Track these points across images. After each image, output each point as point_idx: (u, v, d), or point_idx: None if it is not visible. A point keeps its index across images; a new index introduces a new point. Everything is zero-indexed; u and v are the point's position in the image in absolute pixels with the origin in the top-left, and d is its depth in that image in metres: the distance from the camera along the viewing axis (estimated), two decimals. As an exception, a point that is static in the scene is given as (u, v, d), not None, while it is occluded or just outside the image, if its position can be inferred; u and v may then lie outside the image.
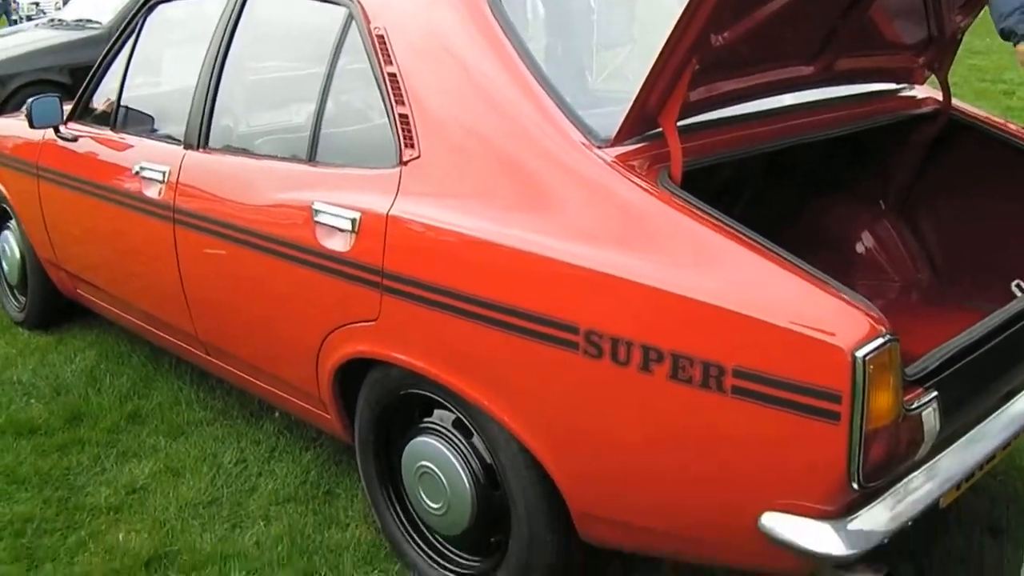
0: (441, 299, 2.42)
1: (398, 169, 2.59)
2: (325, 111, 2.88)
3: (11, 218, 4.73)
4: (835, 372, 1.84)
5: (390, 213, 2.55)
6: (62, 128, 4.04)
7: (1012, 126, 3.17)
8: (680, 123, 2.25)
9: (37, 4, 15.83)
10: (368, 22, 2.75)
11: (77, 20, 8.54)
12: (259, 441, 3.60)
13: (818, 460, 1.92)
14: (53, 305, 4.64)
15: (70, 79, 7.95)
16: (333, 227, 2.69)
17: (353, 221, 2.63)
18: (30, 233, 4.48)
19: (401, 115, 2.61)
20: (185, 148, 3.36)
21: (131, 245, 3.68)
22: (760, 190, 3.35)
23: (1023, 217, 3.05)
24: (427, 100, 2.59)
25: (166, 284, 3.47)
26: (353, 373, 2.82)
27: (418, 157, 2.56)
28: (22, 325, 4.77)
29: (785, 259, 1.99)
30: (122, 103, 3.85)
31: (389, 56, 2.67)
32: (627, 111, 2.23)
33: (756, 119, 2.63)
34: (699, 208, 2.11)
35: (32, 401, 4.01)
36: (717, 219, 2.07)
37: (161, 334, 3.77)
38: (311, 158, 2.89)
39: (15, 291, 4.86)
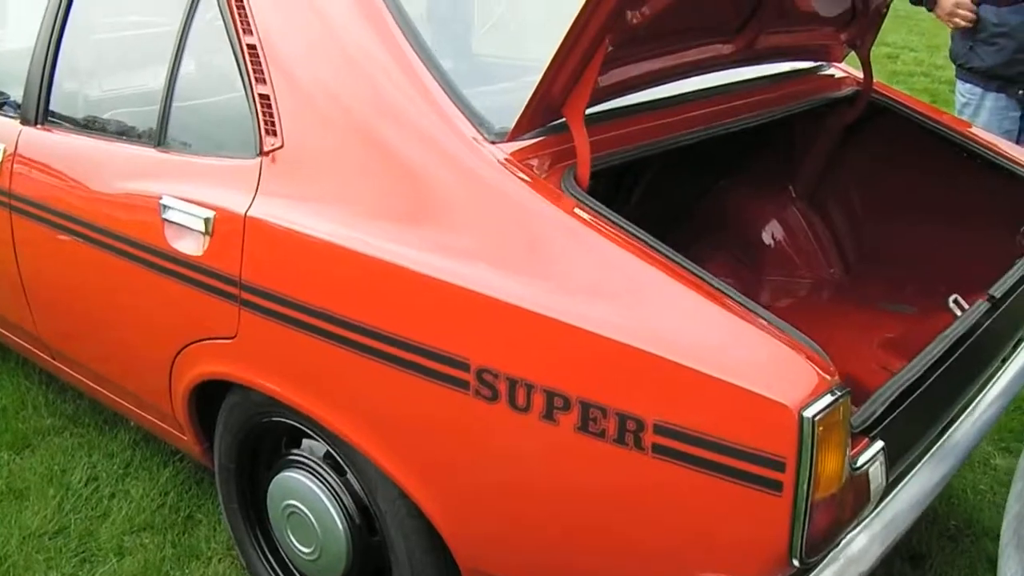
0: (306, 319, 2.04)
1: (258, 160, 2.19)
2: (176, 84, 2.46)
3: None
4: (778, 434, 1.51)
5: (248, 214, 2.15)
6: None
7: (936, 113, 2.88)
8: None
9: None
10: (225, -17, 2.33)
11: None
12: (112, 454, 3.18)
13: (754, 534, 1.59)
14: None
15: None
16: (184, 226, 2.28)
17: (206, 221, 2.23)
18: None
19: (262, 96, 2.20)
20: (22, 123, 2.89)
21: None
22: (656, 176, 3.00)
23: (943, 210, 2.78)
24: (292, 78, 2.19)
25: (4, 277, 3.02)
26: (211, 393, 2.43)
27: (281, 147, 2.16)
28: None
29: (716, 289, 1.65)
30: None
31: (248, 22, 2.26)
32: (526, 102, 1.86)
33: (665, 106, 2.28)
34: (611, 221, 1.75)
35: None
36: (633, 236, 1.72)
37: (2, 331, 3.31)
38: (160, 141, 2.46)
39: None
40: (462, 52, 2.78)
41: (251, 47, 2.23)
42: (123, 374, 2.73)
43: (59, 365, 3.06)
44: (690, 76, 2.34)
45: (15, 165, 2.85)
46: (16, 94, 3.03)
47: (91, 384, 2.94)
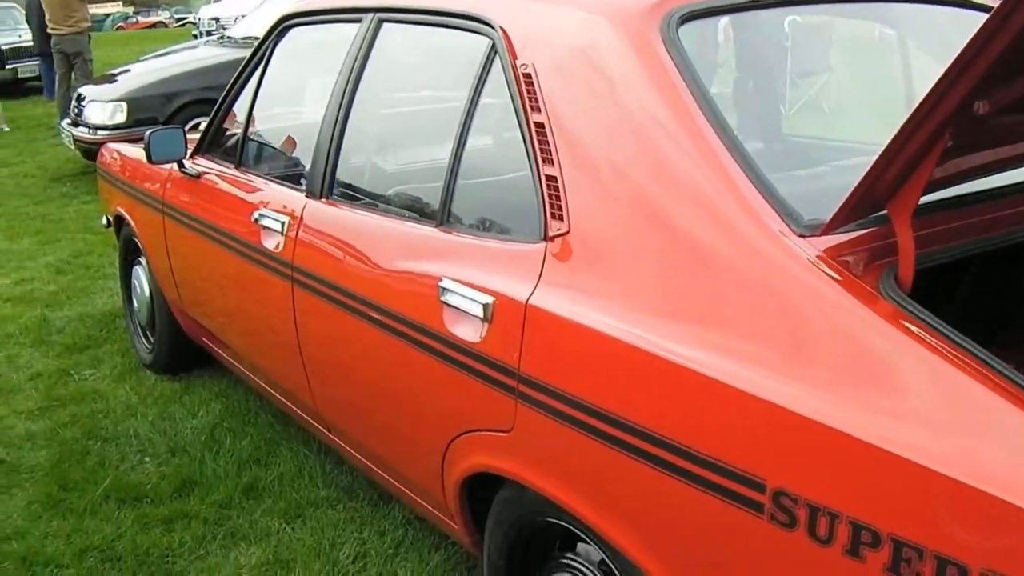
0: (587, 419, 1.88)
1: (542, 246, 2.08)
2: (460, 162, 2.39)
3: (141, 253, 4.42)
4: None
5: (530, 302, 2.03)
6: (186, 162, 3.67)
7: None
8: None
9: (217, 20, 15.89)
10: (514, 56, 2.25)
11: (245, 38, 8.37)
12: (383, 532, 3.13)
13: None
14: (181, 349, 4.30)
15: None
16: (462, 311, 2.20)
17: (486, 307, 2.12)
18: (155, 272, 4.15)
19: (548, 177, 2.09)
20: (307, 196, 2.92)
21: (250, 300, 3.28)
22: (981, 271, 2.64)
23: None
24: (581, 160, 2.07)
25: (284, 348, 3.05)
26: (484, 484, 2.32)
27: (567, 233, 2.03)
28: (150, 368, 4.45)
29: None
30: (248, 137, 3.45)
31: (536, 100, 2.16)
32: (847, 196, 1.65)
33: (997, 196, 1.98)
34: (943, 334, 1.51)
35: (146, 460, 3.66)
36: (975, 354, 1.47)
37: (282, 399, 3.36)
38: (442, 221, 2.40)
39: (146, 331, 4.54)
40: (768, 133, 2.58)
41: (539, 126, 2.14)
42: (396, 455, 2.67)
43: (333, 438, 3.05)
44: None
45: (299, 238, 2.87)
46: (297, 171, 3.08)
47: (364, 461, 2.91)
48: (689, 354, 1.71)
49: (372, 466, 2.87)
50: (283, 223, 2.93)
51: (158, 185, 3.95)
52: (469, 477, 2.31)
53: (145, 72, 8.43)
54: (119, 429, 3.90)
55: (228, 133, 3.64)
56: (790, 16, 2.42)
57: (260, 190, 3.23)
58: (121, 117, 7.76)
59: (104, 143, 7.77)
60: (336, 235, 2.75)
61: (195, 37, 14.97)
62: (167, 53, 9.42)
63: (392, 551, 3.03)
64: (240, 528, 3.18)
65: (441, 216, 2.39)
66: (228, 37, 8.85)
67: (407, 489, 2.71)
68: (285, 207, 2.98)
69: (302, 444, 3.68)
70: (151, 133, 3.55)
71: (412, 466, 2.59)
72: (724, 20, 2.31)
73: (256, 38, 8.12)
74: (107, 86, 8.30)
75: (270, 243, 3.00)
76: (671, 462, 1.72)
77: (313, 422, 3.15)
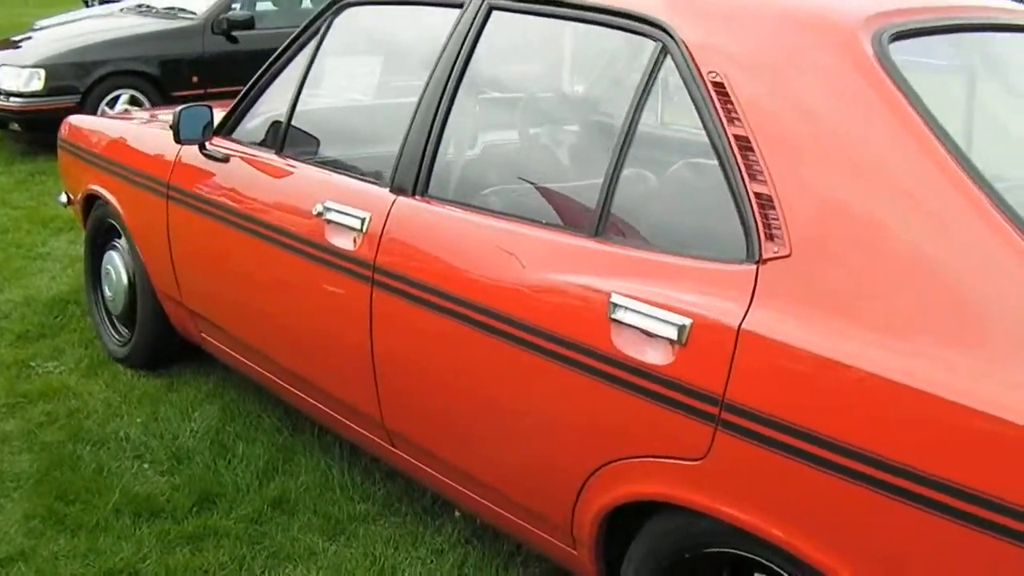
0: (819, 451, 1.78)
1: (752, 268, 1.94)
2: (621, 172, 2.22)
3: (119, 236, 4.06)
4: None
5: (743, 327, 1.89)
6: (209, 145, 3.37)
7: None
8: None
9: None
10: (696, 64, 2.10)
11: (168, 8, 7.95)
12: (441, 550, 2.92)
13: None
14: (166, 344, 3.97)
15: (159, 71, 7.35)
16: (643, 331, 2.04)
17: (681, 329, 1.97)
18: (147, 260, 3.81)
19: (758, 195, 1.95)
20: (393, 191, 2.69)
21: (298, 299, 3.01)
22: None
23: None
24: (800, 178, 1.94)
25: (347, 354, 2.82)
26: (629, 514, 2.17)
27: (787, 256, 1.90)
28: (123, 362, 4.09)
29: None
30: (294, 123, 3.18)
31: (734, 112, 2.02)
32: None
33: None
34: None
35: (146, 468, 3.34)
36: None
37: (321, 407, 3.11)
38: (598, 231, 2.22)
39: (117, 321, 4.18)
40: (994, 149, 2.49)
41: (741, 139, 2.00)
42: (507, 479, 2.48)
43: (398, 451, 2.83)
44: None
45: (385, 237, 2.65)
46: (372, 162, 2.85)
47: (445, 479, 2.70)
48: (933, 378, 1.65)
49: (457, 486, 2.66)
50: (363, 220, 2.70)
51: (161, 165, 3.63)
52: (622, 506, 2.15)
53: (61, 39, 7.87)
54: (107, 432, 3.56)
55: (263, 116, 3.35)
56: (1004, 40, 2.34)
57: (320, 181, 2.98)
58: (38, 84, 7.21)
59: (19, 110, 7.32)
60: (447, 237, 2.54)
61: (86, 4, 14.12)
62: (76, 20, 8.83)
63: (457, 572, 2.84)
64: (282, 547, 2.93)
65: (598, 226, 2.22)
66: (146, 6, 8.34)
67: (508, 512, 2.52)
68: (363, 202, 2.75)
69: (321, 452, 3.43)
70: (183, 110, 3.25)
71: (531, 492, 2.40)
72: (936, 39, 2.21)
73: (180, 9, 7.84)
74: (15, 51, 7.72)
75: (341, 240, 2.76)
76: (920, 494, 1.65)
77: (368, 434, 2.92)
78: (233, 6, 7.93)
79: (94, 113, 6.99)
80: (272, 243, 3.04)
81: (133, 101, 7.49)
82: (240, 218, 3.19)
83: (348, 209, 2.76)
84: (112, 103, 7.43)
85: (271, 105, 3.33)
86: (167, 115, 4.31)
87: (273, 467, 3.34)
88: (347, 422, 3.00)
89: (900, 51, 2.01)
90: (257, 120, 3.39)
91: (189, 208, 3.46)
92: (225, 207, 3.27)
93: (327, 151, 3.15)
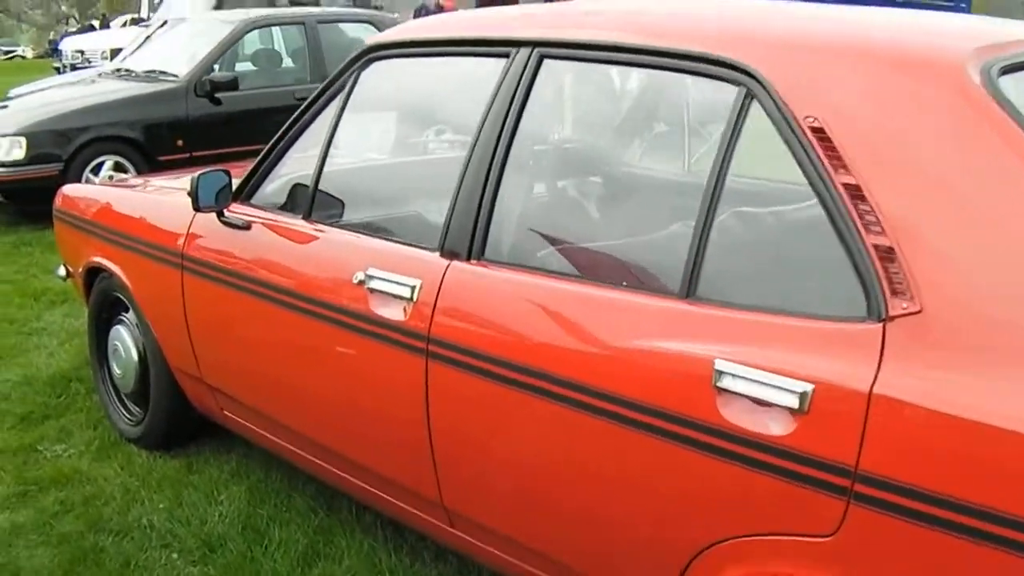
0: (967, 521, 1.62)
1: (878, 326, 1.78)
2: (712, 226, 2.06)
3: (127, 310, 3.86)
4: None
5: (875, 390, 1.73)
6: (227, 212, 3.19)
7: None
8: None
9: (82, 53, 14.69)
10: (789, 109, 1.95)
11: (148, 71, 7.76)
12: (506, 636, 2.72)
13: None
14: (182, 422, 3.76)
15: (143, 136, 7.16)
16: (757, 400, 1.87)
17: (802, 396, 1.80)
18: (160, 335, 3.61)
19: (877, 247, 1.80)
20: (444, 256, 2.52)
21: (338, 374, 2.82)
22: None
23: None
24: (925, 228, 1.79)
25: (399, 431, 2.64)
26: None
27: (918, 312, 1.74)
28: (137, 443, 3.87)
29: None
30: (321, 185, 3.00)
31: (840, 159, 1.87)
32: None
33: None
34: None
35: (176, 559, 3.12)
36: None
37: (364, 485, 2.91)
38: (689, 292, 2.06)
39: (128, 399, 3.96)
40: None
41: (852, 188, 1.85)
42: (590, 560, 2.29)
43: (457, 533, 2.64)
44: None
45: (440, 306, 2.47)
46: (414, 226, 2.68)
47: (512, 560, 2.51)
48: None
49: (528, 567, 2.47)
50: (413, 288, 2.52)
51: (172, 234, 3.44)
52: (733, 589, 1.97)
53: (40, 106, 7.69)
54: (128, 520, 3.34)
55: (285, 178, 3.18)
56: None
57: (356, 246, 2.80)
58: (19, 153, 7.00)
59: (1, 181, 7.10)
60: (508, 305, 2.37)
61: (57, 71, 13.90)
62: (52, 87, 8.64)
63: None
64: (339, 642, 2.72)
65: (689, 287, 2.05)
66: (126, 71, 8.16)
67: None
68: (411, 268, 2.57)
69: (362, 532, 3.22)
70: (201, 176, 3.06)
71: (622, 574, 2.22)
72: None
73: (160, 72, 7.67)
74: (-6, 120, 7.54)
75: (388, 311, 2.58)
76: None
77: (422, 515, 2.72)
78: (214, 67, 7.77)
79: (78, 181, 6.80)
80: (306, 315, 2.85)
81: (117, 167, 7.31)
82: (268, 289, 3.00)
83: (395, 277, 2.58)
84: (96, 170, 7.23)
85: (293, 167, 3.16)
86: (163, 181, 4.17)
87: (314, 551, 3.13)
88: (396, 501, 2.81)
89: (1010, 85, 1.88)
90: (278, 183, 3.21)
91: (208, 279, 3.27)
92: (250, 278, 3.08)
93: (360, 214, 2.98)
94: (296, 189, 3.11)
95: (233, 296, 3.16)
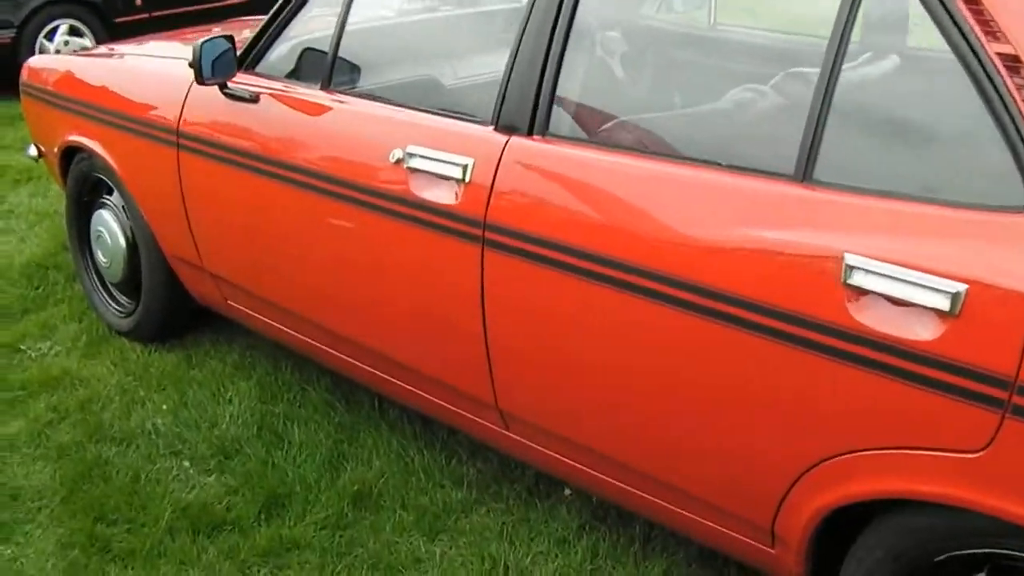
0: None
1: (1036, 215, 1.55)
2: (831, 101, 1.79)
3: (111, 193, 3.54)
4: None
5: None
6: (230, 83, 2.87)
7: None
8: None
9: None
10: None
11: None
12: (565, 540, 2.54)
13: None
14: (178, 312, 3.49)
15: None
16: (895, 299, 1.65)
17: (955, 297, 1.58)
18: (153, 221, 3.30)
19: (1040, 130, 1.56)
20: (500, 131, 2.24)
21: (374, 264, 2.56)
22: None
23: None
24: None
25: (448, 327, 2.40)
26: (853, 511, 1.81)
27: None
28: (128, 336, 3.59)
29: None
30: (341, 52, 2.67)
31: (990, 25, 1.62)
32: None
33: None
34: None
35: (189, 468, 2.88)
36: None
37: (398, 382, 2.67)
38: (805, 175, 1.81)
39: (116, 289, 3.67)
40: None
41: (1007, 58, 1.60)
42: (682, 472, 2.08)
43: (512, 435, 2.43)
44: None
45: (497, 187, 2.21)
46: (461, 97, 2.39)
47: (578, 465, 2.31)
48: None
49: (600, 474, 2.27)
50: (464, 167, 2.25)
51: (165, 108, 3.11)
52: (851, 505, 1.79)
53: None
54: (131, 426, 3.07)
55: (298, 46, 2.85)
56: None
57: (390, 120, 2.51)
58: (-34, 19, 6.51)
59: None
60: (585, 187, 2.11)
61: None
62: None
63: (591, 565, 2.46)
64: (379, 556, 2.51)
65: (804, 169, 1.81)
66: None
67: (678, 507, 2.14)
68: (460, 145, 2.30)
69: (388, 429, 3.00)
70: (203, 44, 2.72)
71: (717, 487, 2.02)
72: None
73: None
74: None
75: (436, 194, 2.31)
76: None
77: (473, 416, 2.50)
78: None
79: (32, 48, 6.35)
80: (330, 196, 2.58)
81: (73, 31, 6.82)
82: (283, 168, 2.71)
83: (441, 155, 2.30)
84: (50, 36, 6.74)
85: (307, 27, 2.82)
86: (135, 48, 3.82)
87: (339, 454, 2.91)
88: (441, 402, 2.58)
89: None
90: (286, 48, 2.89)
91: (209, 159, 2.96)
92: (260, 156, 2.78)
93: (390, 81, 2.67)
94: (309, 54, 2.80)
95: (240, 176, 2.86)
